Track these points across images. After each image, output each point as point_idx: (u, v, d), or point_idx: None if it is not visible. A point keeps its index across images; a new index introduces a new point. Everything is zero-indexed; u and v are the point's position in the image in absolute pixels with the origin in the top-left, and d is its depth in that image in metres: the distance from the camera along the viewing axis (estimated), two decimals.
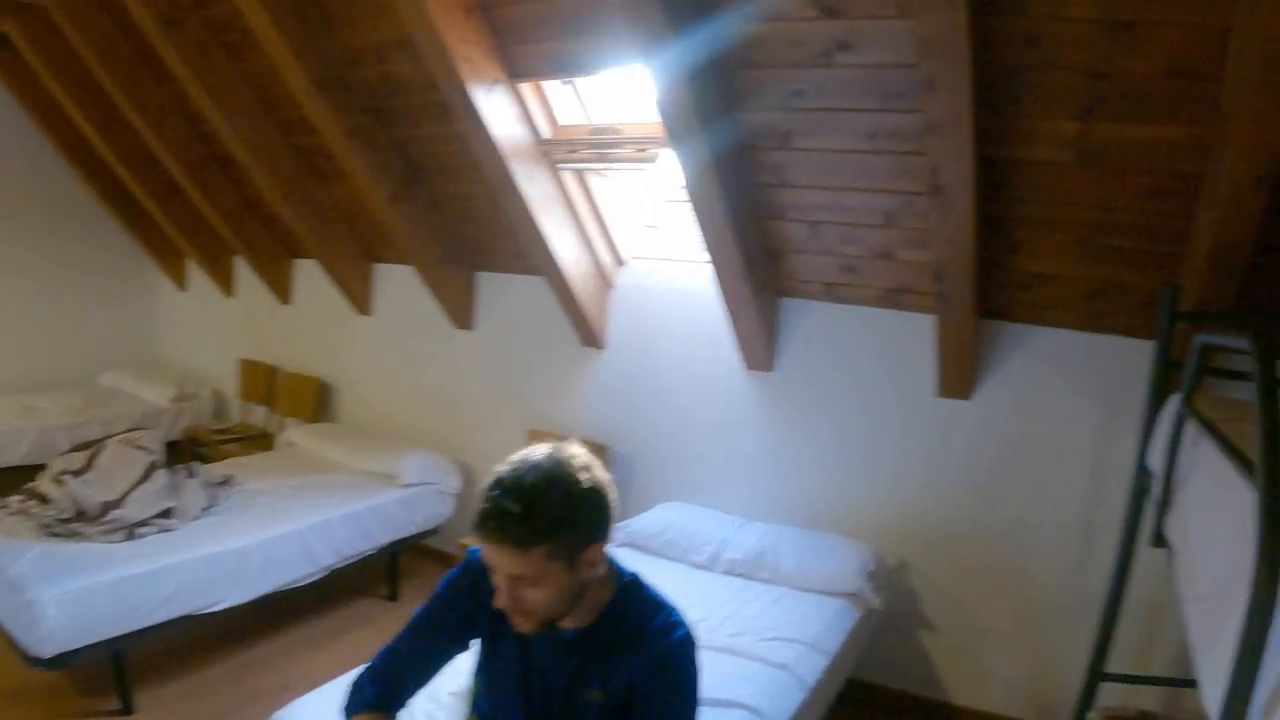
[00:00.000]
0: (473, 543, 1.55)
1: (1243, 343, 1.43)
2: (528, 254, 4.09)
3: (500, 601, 1.51)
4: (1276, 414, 1.23)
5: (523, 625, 1.52)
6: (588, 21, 3.13)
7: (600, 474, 1.54)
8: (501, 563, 1.46)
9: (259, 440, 5.75)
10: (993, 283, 3.17)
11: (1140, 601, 2.97)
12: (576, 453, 1.53)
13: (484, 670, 1.77)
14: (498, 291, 4.68)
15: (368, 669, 1.74)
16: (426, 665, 1.74)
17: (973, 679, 3.58)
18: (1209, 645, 1.42)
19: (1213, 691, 1.30)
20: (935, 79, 2.47)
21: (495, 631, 1.68)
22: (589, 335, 4.26)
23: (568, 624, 1.59)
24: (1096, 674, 2.78)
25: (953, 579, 3.54)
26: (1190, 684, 3.02)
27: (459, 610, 1.71)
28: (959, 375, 3.36)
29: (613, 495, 1.55)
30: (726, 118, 3.03)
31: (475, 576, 1.66)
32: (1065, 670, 3.23)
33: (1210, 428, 1.75)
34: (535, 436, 4.31)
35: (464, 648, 1.77)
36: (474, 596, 1.67)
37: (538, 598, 1.48)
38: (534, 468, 1.47)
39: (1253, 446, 1.39)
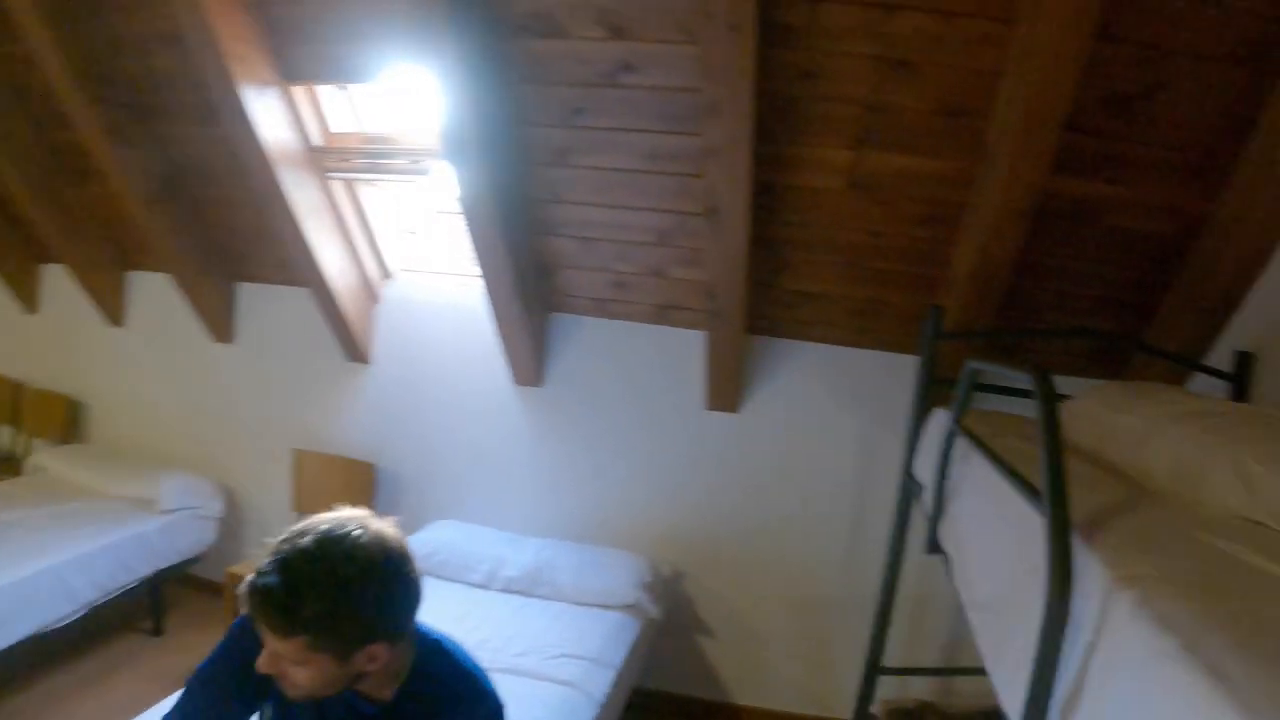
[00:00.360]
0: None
1: (1021, 375, 1.54)
2: (292, 265, 3.92)
3: (262, 667, 1.37)
4: (1059, 446, 1.33)
5: (289, 692, 1.40)
6: (368, 26, 3.04)
7: (400, 565, 1.39)
8: (264, 636, 1.34)
9: (3, 465, 5.25)
10: (762, 300, 3.31)
11: (909, 598, 3.18)
12: (373, 538, 1.37)
13: None
14: (260, 303, 4.46)
15: None
16: None
17: (754, 679, 3.73)
18: (1000, 653, 1.52)
19: (1010, 697, 1.40)
20: (718, 105, 2.59)
21: (285, 698, 1.49)
22: (355, 350, 4.13)
23: (367, 691, 1.49)
24: (874, 668, 2.95)
25: (728, 585, 3.68)
26: (960, 672, 3.27)
27: (242, 672, 1.49)
28: (728, 389, 3.50)
29: (411, 590, 1.42)
30: (505, 132, 3.03)
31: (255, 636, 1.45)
32: (844, 665, 3.42)
33: (985, 448, 1.86)
34: (301, 456, 4.17)
35: (254, 709, 1.59)
36: (253, 654, 1.47)
37: (301, 676, 1.36)
38: (314, 550, 1.31)
39: (1030, 468, 1.49)
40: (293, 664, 1.34)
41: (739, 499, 3.62)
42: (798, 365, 3.51)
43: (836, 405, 3.48)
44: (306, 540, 1.33)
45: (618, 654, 3.06)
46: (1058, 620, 1.21)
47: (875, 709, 3.02)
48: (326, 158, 3.61)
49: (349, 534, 1.34)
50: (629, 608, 3.33)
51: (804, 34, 2.52)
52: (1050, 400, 1.38)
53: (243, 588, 1.32)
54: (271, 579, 1.29)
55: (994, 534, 1.75)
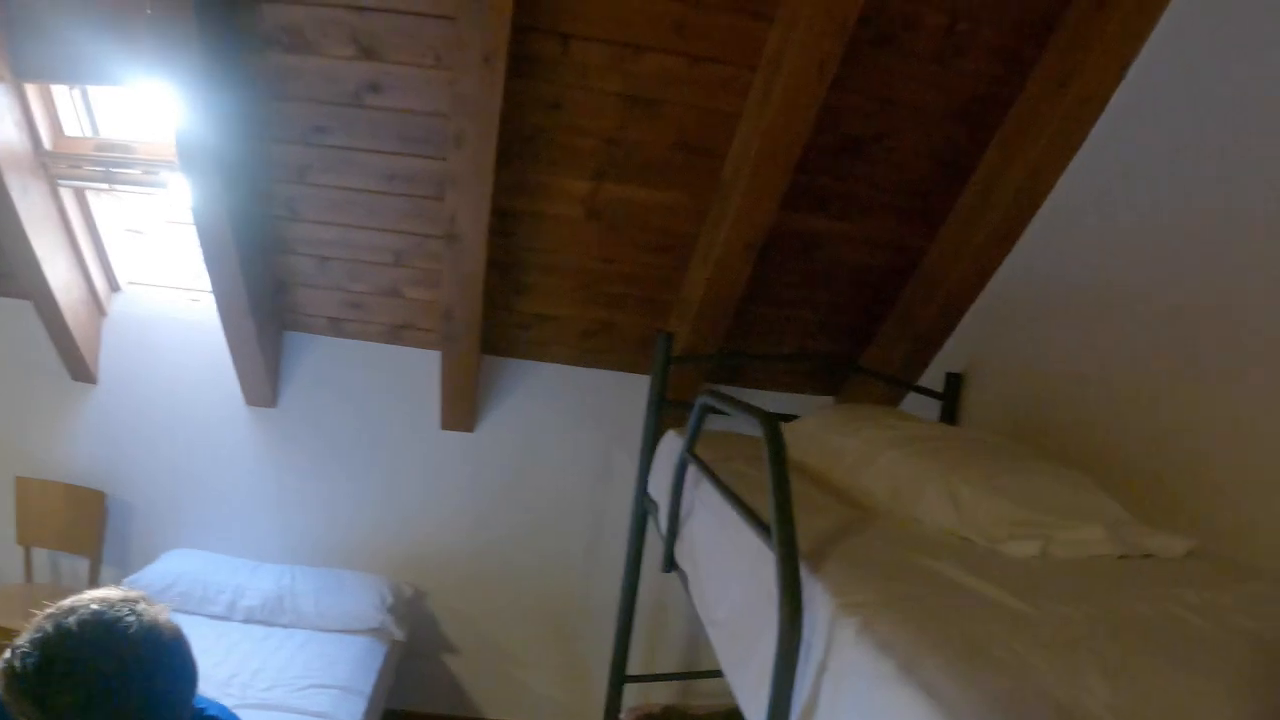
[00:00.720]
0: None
1: (751, 418, 1.66)
2: (13, 274, 3.54)
3: None
4: (787, 492, 1.45)
5: None
6: (112, 28, 2.79)
7: (171, 658, 1.28)
8: None
9: None
10: (498, 322, 3.38)
11: (650, 606, 3.32)
12: (143, 628, 1.24)
13: None
14: None
15: None
16: None
17: (506, 694, 3.79)
18: (739, 668, 1.64)
19: (752, 710, 1.52)
20: (464, 134, 2.61)
21: None
22: (80, 368, 3.79)
23: None
24: (619, 677, 3.05)
25: (472, 603, 3.72)
26: (702, 675, 3.44)
27: None
28: (463, 409, 3.55)
29: (182, 683, 1.30)
30: (245, 146, 2.91)
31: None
32: (593, 675, 3.55)
33: (716, 479, 1.96)
34: (23, 484, 3.75)
35: None
36: None
37: None
38: (77, 633, 1.18)
39: (759, 496, 1.59)
40: None
41: (477, 517, 3.67)
42: (533, 385, 3.60)
43: (572, 424, 3.60)
44: (71, 621, 1.20)
45: (367, 680, 3.04)
46: (791, 647, 1.34)
47: (623, 716, 3.13)
48: (57, 163, 3.31)
49: (118, 619, 1.22)
50: (374, 631, 3.31)
51: (554, 67, 2.61)
52: (778, 447, 1.50)
53: (4, 682, 1.18)
54: (27, 660, 1.16)
55: (728, 557, 1.87)
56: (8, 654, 1.18)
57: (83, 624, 1.20)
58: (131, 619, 1.23)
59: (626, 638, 3.02)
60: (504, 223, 3.02)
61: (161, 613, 1.29)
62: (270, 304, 3.47)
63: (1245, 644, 1.26)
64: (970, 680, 1.07)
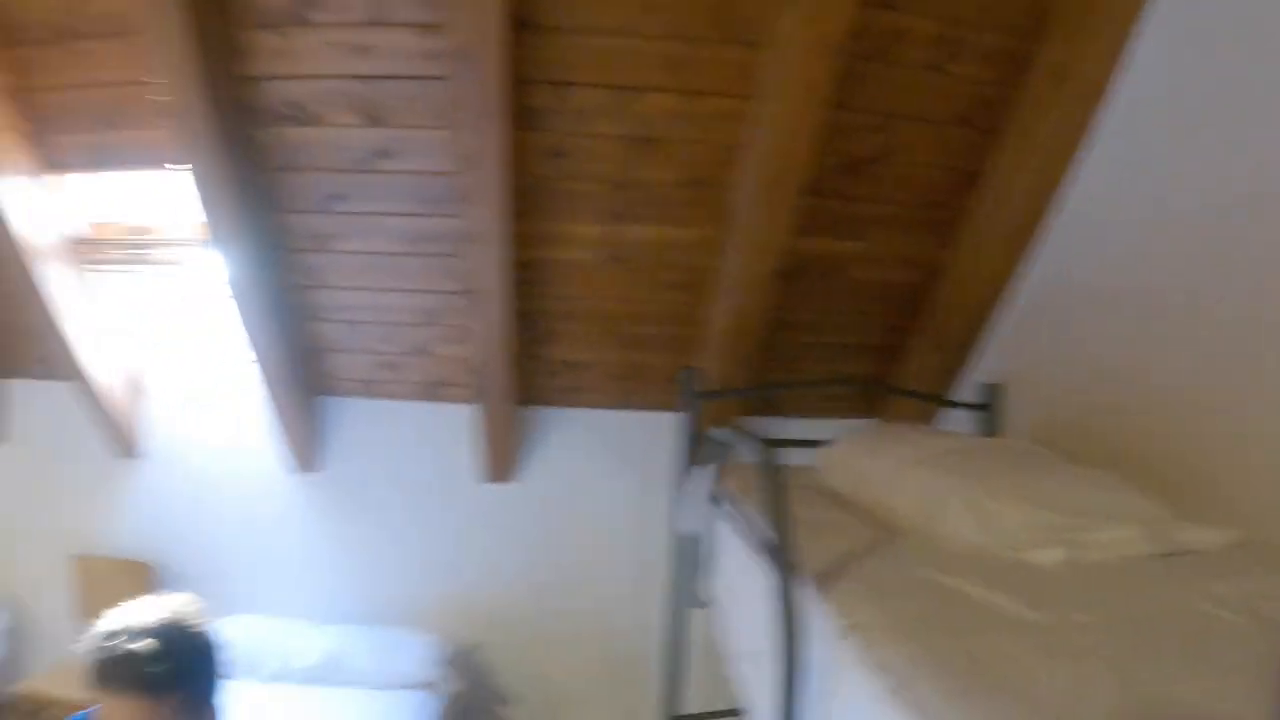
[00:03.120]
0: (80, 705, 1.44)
1: (748, 447, 1.66)
2: (55, 359, 3.67)
3: None
4: (784, 509, 1.46)
5: None
6: (132, 117, 2.91)
7: (211, 641, 1.49)
8: (100, 698, 1.35)
9: None
10: (528, 371, 3.39)
11: (704, 643, 3.24)
12: (194, 611, 1.46)
13: None
14: (28, 400, 4.08)
15: None
16: None
17: None
18: (753, 698, 1.62)
19: None
20: (472, 192, 2.67)
21: None
22: (125, 445, 3.90)
23: None
24: (669, 717, 3.02)
25: (525, 651, 3.71)
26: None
27: None
28: (501, 460, 3.57)
29: (220, 665, 1.50)
30: (266, 219, 2.98)
31: None
32: (648, 716, 3.47)
33: (733, 504, 1.97)
34: (80, 562, 3.87)
35: None
36: None
37: None
38: (155, 616, 1.39)
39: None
40: None
41: (524, 566, 3.68)
42: (568, 431, 3.61)
43: (609, 466, 3.60)
44: (144, 613, 1.40)
45: None
46: (792, 667, 1.32)
47: None
48: (86, 249, 3.42)
49: (171, 608, 1.43)
50: (428, 686, 3.30)
51: (554, 116, 2.64)
52: (772, 470, 1.50)
53: (97, 669, 1.33)
54: (138, 641, 1.34)
55: (746, 587, 1.87)
56: (101, 652, 1.34)
57: (156, 609, 1.42)
58: (186, 609, 1.46)
59: (674, 677, 2.99)
60: (525, 273, 3.04)
61: (193, 604, 1.49)
62: (305, 370, 3.53)
63: (1277, 634, 1.21)
64: (964, 698, 1.04)
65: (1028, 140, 2.63)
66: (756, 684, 1.70)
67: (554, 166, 2.77)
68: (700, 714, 3.24)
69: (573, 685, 3.71)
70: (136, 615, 1.38)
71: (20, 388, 4.12)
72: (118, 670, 1.32)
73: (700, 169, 2.78)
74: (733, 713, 3.40)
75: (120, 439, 3.87)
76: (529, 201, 2.82)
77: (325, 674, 3.33)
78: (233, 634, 3.39)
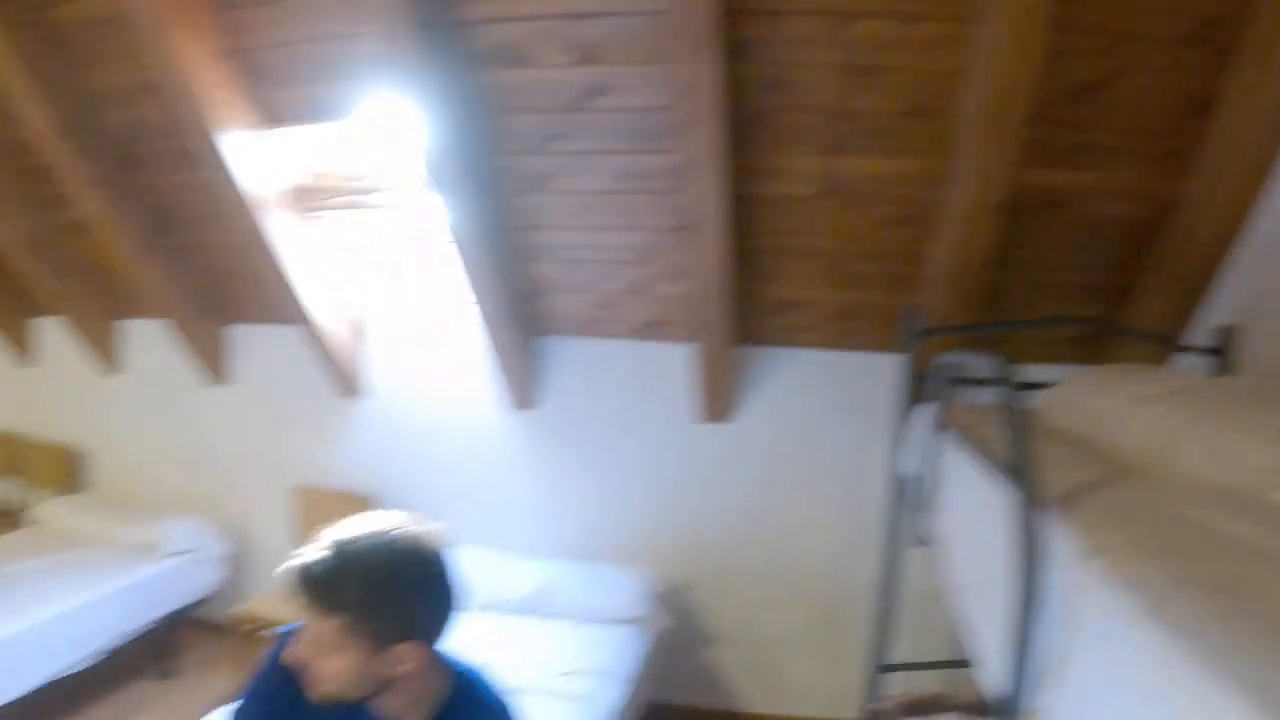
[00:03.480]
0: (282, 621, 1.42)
1: (983, 364, 1.58)
2: (280, 304, 3.96)
3: (293, 658, 1.39)
4: (1023, 425, 1.39)
5: (315, 691, 1.39)
6: (343, 65, 3.07)
7: (442, 571, 1.41)
8: (302, 614, 1.35)
9: (3, 519, 5.26)
10: (746, 310, 3.35)
11: (914, 592, 3.16)
12: (422, 539, 1.40)
13: None
14: (252, 344, 4.50)
15: None
16: None
17: (766, 685, 3.76)
18: (981, 631, 1.56)
19: (990, 671, 1.44)
20: (689, 123, 2.66)
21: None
22: (346, 385, 4.17)
23: (394, 717, 1.46)
24: (877, 666, 2.96)
25: (733, 593, 3.71)
26: (964, 665, 3.29)
27: (275, 708, 1.53)
28: (718, 400, 3.55)
29: (451, 598, 1.42)
30: (484, 161, 3.08)
31: (283, 668, 1.46)
32: (854, 664, 3.38)
33: (964, 436, 1.90)
34: (301, 493, 4.19)
35: None
36: (285, 690, 1.48)
37: (332, 667, 1.35)
38: (364, 538, 1.35)
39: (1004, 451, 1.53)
40: (325, 651, 1.35)
41: (737, 506, 3.66)
42: (786, 372, 3.56)
43: (826, 408, 3.53)
44: (356, 529, 1.37)
45: (627, 667, 3.09)
46: (1032, 592, 1.25)
47: (885, 703, 3.03)
48: (307, 197, 3.65)
49: (400, 530, 1.39)
50: (635, 621, 3.36)
51: (767, 46, 2.59)
52: (1010, 383, 1.42)
53: (288, 569, 1.34)
54: (321, 557, 1.33)
55: (975, 521, 1.79)
56: (298, 560, 1.34)
57: (367, 531, 1.37)
58: (410, 530, 1.40)
59: (885, 624, 2.92)
60: (742, 208, 3.00)
61: (435, 530, 1.44)
62: (525, 310, 3.63)
63: None
64: (1226, 619, 0.95)
65: (1267, 58, 2.34)
66: (985, 616, 1.62)
67: (769, 98, 2.72)
68: (908, 664, 3.17)
69: (780, 630, 3.69)
70: (352, 532, 1.36)
71: (245, 332, 4.49)
72: (299, 579, 1.33)
73: (919, 97, 2.66)
74: (943, 664, 3.32)
75: (342, 379, 4.14)
76: (744, 135, 2.78)
77: (535, 606, 3.45)
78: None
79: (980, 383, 2.72)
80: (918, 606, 3.33)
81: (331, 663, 1.35)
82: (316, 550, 1.34)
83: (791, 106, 2.75)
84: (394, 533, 1.38)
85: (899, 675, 3.10)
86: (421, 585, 1.38)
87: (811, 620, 3.66)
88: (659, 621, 3.40)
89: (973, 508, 1.83)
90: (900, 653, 3.10)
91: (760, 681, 3.78)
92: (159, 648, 4.21)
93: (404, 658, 1.37)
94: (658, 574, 3.55)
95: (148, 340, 4.80)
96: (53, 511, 4.62)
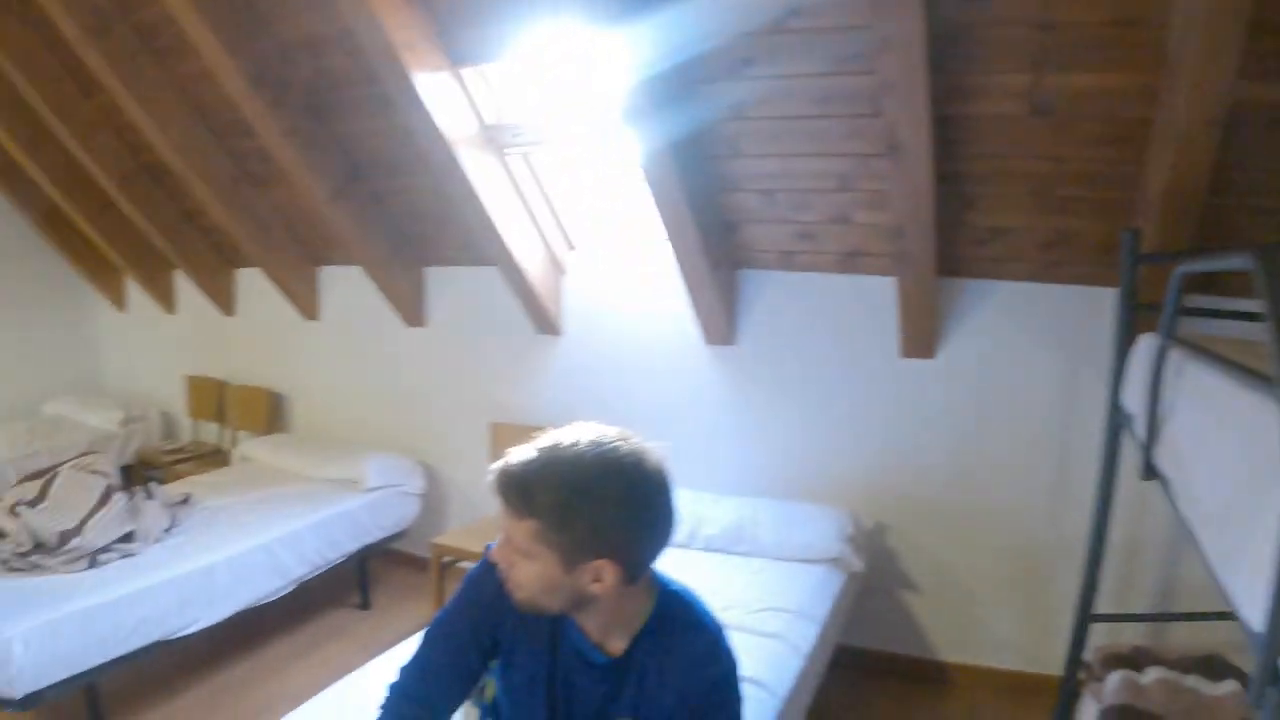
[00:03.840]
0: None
1: (1242, 261, 1.43)
2: (477, 244, 4.04)
3: (493, 556, 1.40)
4: None
5: (514, 593, 1.40)
6: (532, 2, 3.05)
7: (651, 491, 1.34)
8: (502, 517, 1.35)
9: (212, 457, 5.61)
10: (950, 240, 3.18)
11: (1118, 542, 3.00)
12: (634, 456, 1.33)
13: (504, 677, 1.57)
14: (448, 285, 4.62)
15: (396, 689, 1.57)
16: (456, 677, 1.55)
17: (961, 635, 3.61)
18: (1234, 563, 1.42)
19: (1249, 605, 1.31)
20: (889, 39, 2.48)
21: (518, 640, 1.52)
22: (545, 321, 4.21)
23: (598, 639, 1.47)
24: (1086, 616, 2.80)
25: (933, 536, 3.57)
26: (1175, 618, 3.10)
27: (478, 622, 1.53)
28: (922, 335, 3.39)
29: (658, 520, 1.37)
30: (678, 91, 2.99)
31: (494, 576, 1.46)
32: (1054, 616, 3.25)
33: (1204, 351, 1.75)
34: (497, 429, 4.28)
35: (491, 658, 1.57)
36: (496, 600, 1.48)
37: (525, 573, 1.35)
38: (572, 445, 1.31)
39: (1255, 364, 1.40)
40: (520, 555, 1.34)
41: (940, 447, 3.50)
42: (991, 305, 3.36)
43: (1034, 344, 3.32)
44: (568, 437, 1.34)
45: (821, 606, 3.02)
46: None
47: (1088, 655, 2.86)
48: (502, 135, 3.66)
49: (612, 443, 1.33)
50: (832, 561, 3.28)
51: None
52: (1274, 276, 1.26)
53: (495, 468, 1.33)
54: (526, 459, 1.31)
55: (1218, 442, 1.63)
56: (508, 457, 1.33)
57: (577, 440, 1.33)
58: (625, 446, 1.34)
59: (1096, 570, 2.75)
60: (946, 131, 2.82)
61: (656, 451, 1.37)
62: (722, 243, 3.55)
63: None
64: None
65: None
66: (1226, 545, 1.47)
67: (972, 12, 2.52)
68: (1113, 615, 2.99)
69: (979, 578, 3.53)
70: (565, 439, 1.33)
71: (440, 274, 4.61)
72: (499, 478, 1.32)
73: (1129, 5, 2.40)
74: (1152, 616, 3.12)
75: (539, 316, 4.18)
76: (945, 52, 2.60)
77: (730, 543, 3.43)
78: None
79: (1214, 314, 2.52)
80: (1123, 556, 3.14)
81: (525, 568, 1.35)
82: (525, 451, 1.33)
83: (994, 20, 2.54)
84: (605, 445, 1.33)
85: (1099, 628, 2.92)
86: (622, 502, 1.32)
87: (1013, 569, 3.48)
88: (854, 563, 3.30)
89: (1214, 430, 1.68)
90: (1105, 604, 2.92)
91: (955, 630, 3.63)
92: (357, 579, 4.40)
93: (598, 575, 1.34)
94: (854, 515, 3.44)
95: (345, 287, 5.00)
96: (258, 450, 4.88)
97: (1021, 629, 3.50)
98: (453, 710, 1.59)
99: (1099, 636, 2.91)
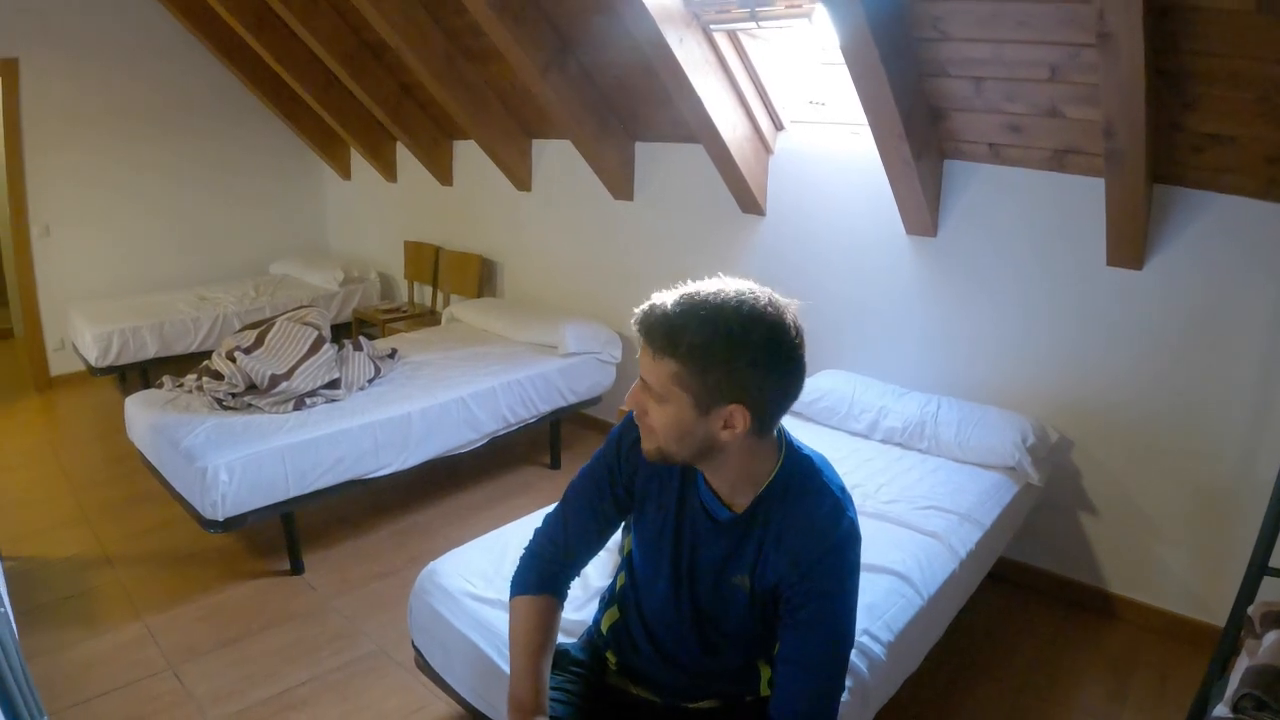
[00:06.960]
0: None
1: None
2: (684, 122, 4.04)
3: (627, 403, 1.46)
4: None
5: (644, 442, 1.46)
6: None
7: (787, 343, 1.36)
8: (641, 359, 1.40)
9: (424, 318, 5.99)
10: (1165, 144, 2.91)
11: None
12: (775, 311, 1.36)
13: (637, 530, 1.69)
14: (656, 161, 4.66)
15: (540, 532, 1.72)
16: (593, 523, 1.67)
17: (1131, 567, 3.44)
18: None
19: None
20: None
21: (649, 493, 1.62)
22: (748, 202, 4.21)
23: (724, 496, 1.52)
24: (1259, 568, 2.60)
25: (1118, 460, 3.38)
26: None
27: (616, 474, 1.64)
28: (1129, 243, 3.14)
29: (790, 370, 1.38)
30: None
31: (633, 430, 1.56)
32: (1229, 563, 3.03)
33: None
34: None
35: (626, 510, 1.69)
36: (632, 454, 1.60)
37: (657, 418, 1.40)
38: (715, 294, 1.35)
39: None
40: (654, 400, 1.39)
41: (1138, 367, 3.27)
42: (1208, 219, 3.05)
43: (1250, 266, 2.99)
44: (712, 286, 1.38)
45: (989, 513, 2.96)
46: None
47: (1251, 609, 2.63)
48: (707, 11, 3.59)
49: (755, 294, 1.36)
50: (1009, 469, 3.20)
51: None
52: None
53: (640, 309, 1.39)
54: (670, 302, 1.36)
55: None
56: (653, 299, 1.39)
57: (721, 290, 1.37)
58: (766, 301, 1.36)
59: (1277, 521, 2.52)
60: (1164, 23, 2.52)
61: (793, 307, 1.40)
62: (927, 131, 3.40)
63: None
64: None
65: None
66: None
67: None
68: None
69: (1162, 511, 3.31)
70: (711, 286, 1.37)
71: (649, 150, 4.65)
72: (643, 317, 1.37)
73: None
74: None
75: (743, 196, 4.18)
76: None
77: (911, 438, 3.42)
78: (831, 385, 3.59)
79: None
80: None
81: (658, 413, 1.39)
82: (669, 295, 1.38)
83: None
84: (748, 295, 1.35)
85: (1272, 584, 2.69)
86: (761, 349, 1.34)
87: (1197, 507, 3.24)
88: (1031, 474, 3.19)
89: None
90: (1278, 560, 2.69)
91: (1123, 562, 3.45)
92: (549, 439, 4.65)
93: (729, 422, 1.37)
94: (1038, 425, 3.31)
95: (556, 160, 5.16)
96: (465, 312, 5.16)
97: (1196, 572, 3.28)
98: (589, 555, 1.73)
99: (1269, 591, 2.71)
